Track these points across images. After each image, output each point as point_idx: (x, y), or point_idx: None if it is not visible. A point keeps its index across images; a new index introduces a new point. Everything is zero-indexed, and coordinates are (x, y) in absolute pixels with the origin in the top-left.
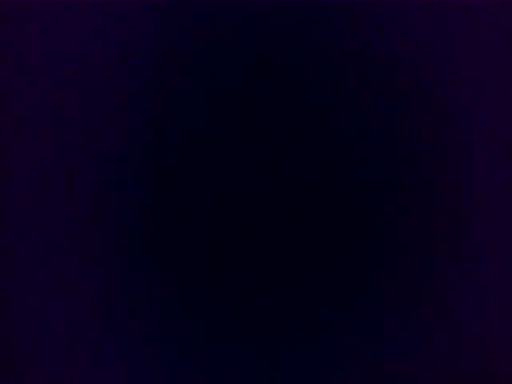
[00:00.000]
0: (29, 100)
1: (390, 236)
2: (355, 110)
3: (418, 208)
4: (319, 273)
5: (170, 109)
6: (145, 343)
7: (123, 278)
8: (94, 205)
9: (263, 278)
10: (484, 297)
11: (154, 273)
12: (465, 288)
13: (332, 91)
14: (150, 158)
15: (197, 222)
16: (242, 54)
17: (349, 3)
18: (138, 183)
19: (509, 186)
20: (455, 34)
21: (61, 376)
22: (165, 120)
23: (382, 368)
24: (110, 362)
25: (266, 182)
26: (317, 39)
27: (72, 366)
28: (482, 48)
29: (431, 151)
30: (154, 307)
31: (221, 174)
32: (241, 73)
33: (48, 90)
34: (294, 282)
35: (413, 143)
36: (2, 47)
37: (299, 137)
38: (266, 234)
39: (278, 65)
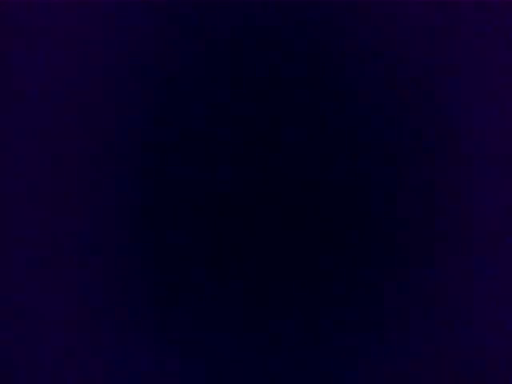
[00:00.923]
0: (29, 100)
1: (390, 236)
2: (355, 110)
3: (418, 208)
4: (319, 273)
5: (169, 109)
6: (145, 343)
7: (123, 278)
8: (93, 205)
9: (263, 278)
10: (484, 297)
11: (154, 273)
12: (465, 288)
13: (332, 91)
14: (150, 158)
15: (197, 222)
16: (242, 54)
17: (349, 3)
18: (138, 183)
19: (509, 186)
20: (455, 34)
21: (61, 376)
22: (165, 120)
23: (381, 368)
24: (109, 361)
25: (266, 182)
26: (317, 39)
27: (72, 366)
28: (481, 48)
29: (431, 151)
30: (153, 307)
31: (221, 174)
32: (241, 73)
33: (48, 90)
34: (294, 281)
35: (413, 143)
36: (1, 47)
37: (299, 137)
38: (265, 234)
39: (278, 65)
